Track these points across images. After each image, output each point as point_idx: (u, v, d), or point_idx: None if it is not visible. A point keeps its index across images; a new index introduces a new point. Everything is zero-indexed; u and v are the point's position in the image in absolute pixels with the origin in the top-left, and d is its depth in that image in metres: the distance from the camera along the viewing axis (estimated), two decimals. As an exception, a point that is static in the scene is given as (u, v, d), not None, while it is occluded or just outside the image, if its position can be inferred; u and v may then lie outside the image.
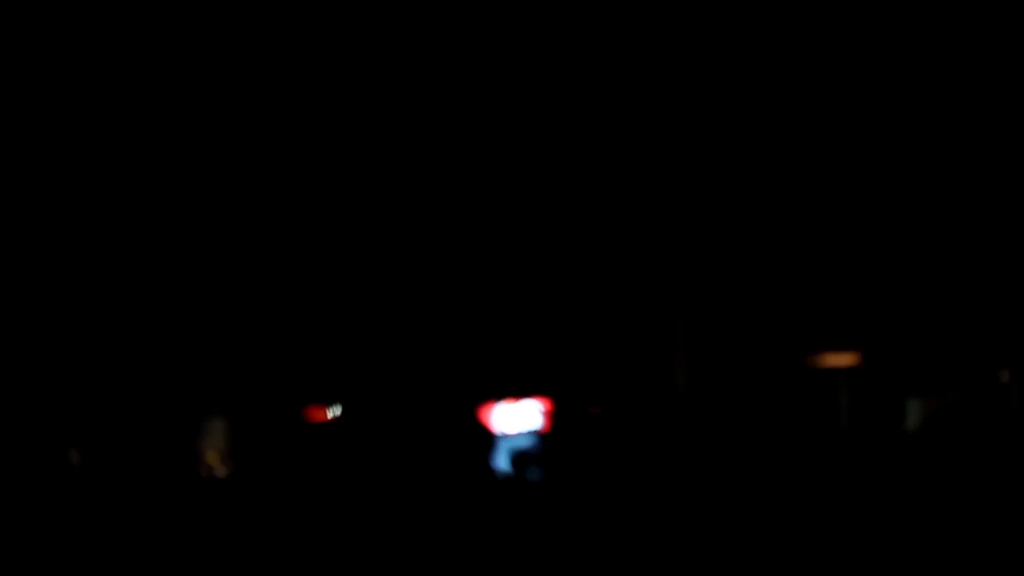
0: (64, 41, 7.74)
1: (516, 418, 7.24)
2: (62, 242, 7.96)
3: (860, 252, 9.83)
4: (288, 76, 7.91)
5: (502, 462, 7.29)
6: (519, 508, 4.18)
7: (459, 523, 6.33)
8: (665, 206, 9.63)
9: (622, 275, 9.41)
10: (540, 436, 7.39)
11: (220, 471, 5.97)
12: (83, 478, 6.07)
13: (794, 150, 9.23)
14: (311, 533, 6.36)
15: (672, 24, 8.39)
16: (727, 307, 9.38)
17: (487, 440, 7.07)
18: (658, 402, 8.67)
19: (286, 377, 7.07)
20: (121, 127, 8.36)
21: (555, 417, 7.57)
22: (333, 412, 7.14)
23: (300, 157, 8.21)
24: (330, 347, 6.57)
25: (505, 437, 7.18)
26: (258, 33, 8.03)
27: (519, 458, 5.86)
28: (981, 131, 8.88)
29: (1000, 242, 9.25)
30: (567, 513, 4.03)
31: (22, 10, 7.49)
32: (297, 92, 7.28)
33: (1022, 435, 6.28)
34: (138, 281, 8.23)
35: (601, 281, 9.13)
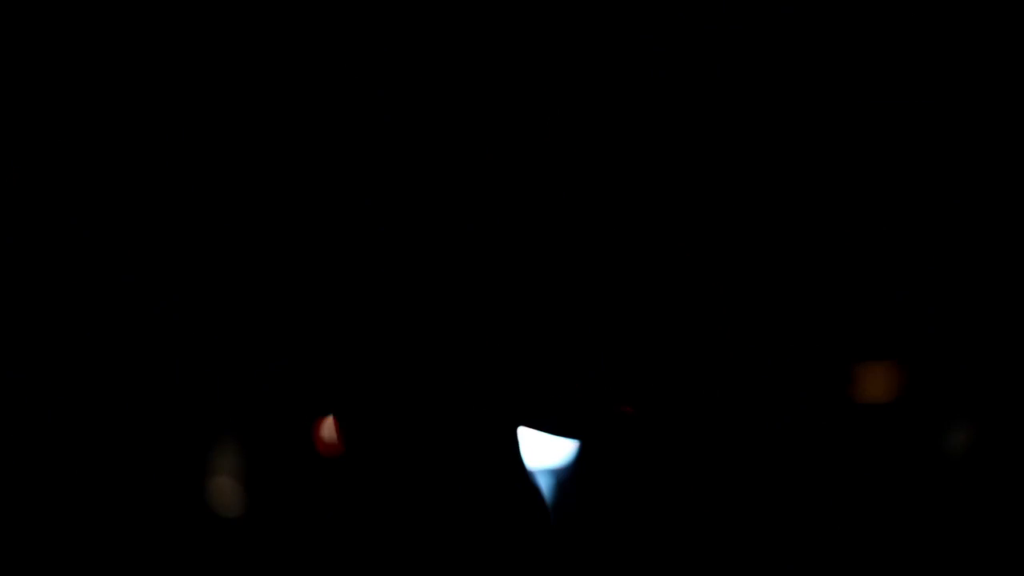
0: (64, 41, 7.47)
1: (550, 446, 6.95)
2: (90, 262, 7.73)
3: (897, 261, 9.56)
4: (292, 79, 7.64)
5: (549, 494, 7.02)
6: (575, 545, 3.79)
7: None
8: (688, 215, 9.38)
9: (631, 280, 9.16)
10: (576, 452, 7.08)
11: (233, 499, 5.63)
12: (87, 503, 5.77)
13: (807, 155, 8.96)
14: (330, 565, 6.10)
15: (672, 24, 8.13)
16: (758, 318, 9.09)
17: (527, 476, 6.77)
18: (692, 406, 8.43)
19: (300, 392, 6.76)
20: (126, 131, 8.11)
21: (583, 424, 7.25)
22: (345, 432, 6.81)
23: (312, 163, 7.94)
24: (344, 359, 6.20)
25: (545, 469, 6.88)
26: (259, 34, 7.78)
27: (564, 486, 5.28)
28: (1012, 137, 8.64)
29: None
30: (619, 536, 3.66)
31: (22, 10, 7.23)
32: (306, 98, 6.95)
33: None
34: (141, 287, 7.97)
35: (613, 284, 8.84)
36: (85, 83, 7.67)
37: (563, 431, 2.73)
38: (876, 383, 9.42)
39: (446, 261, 2.70)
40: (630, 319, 8.56)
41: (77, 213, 7.75)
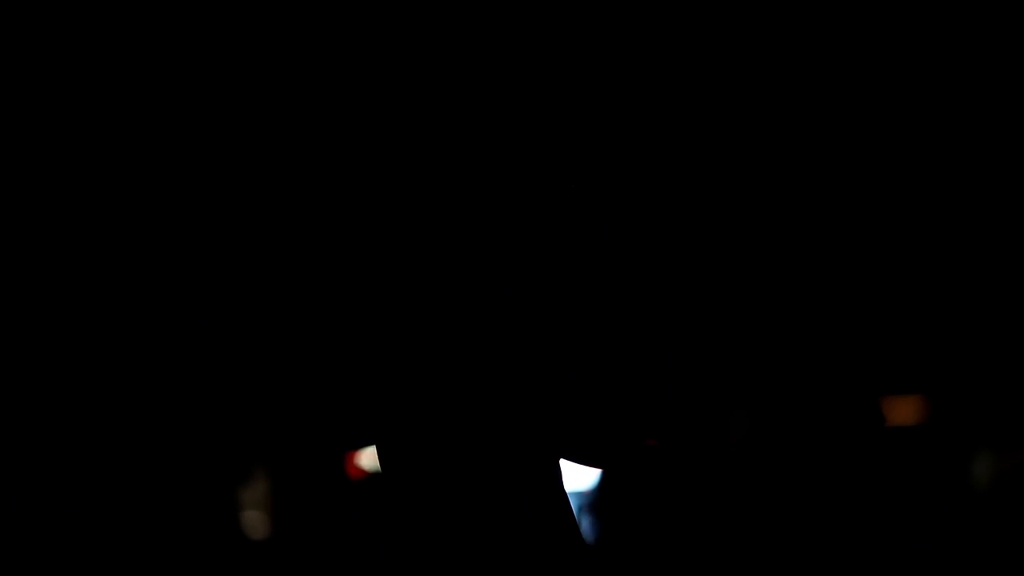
0: (64, 41, 7.51)
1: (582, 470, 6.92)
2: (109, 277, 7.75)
3: (918, 284, 9.54)
4: (295, 82, 7.68)
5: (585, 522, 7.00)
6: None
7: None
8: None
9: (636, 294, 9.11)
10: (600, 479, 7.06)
11: (261, 529, 5.64)
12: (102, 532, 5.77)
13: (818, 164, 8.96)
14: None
15: (671, 24, 8.13)
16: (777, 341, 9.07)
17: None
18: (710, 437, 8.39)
19: (331, 418, 6.75)
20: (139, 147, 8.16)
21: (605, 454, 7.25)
22: (372, 461, 6.85)
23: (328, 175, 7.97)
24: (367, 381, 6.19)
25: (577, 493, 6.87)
26: (259, 35, 7.82)
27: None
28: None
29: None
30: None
31: (22, 10, 7.27)
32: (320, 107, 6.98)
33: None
34: (162, 307, 8.01)
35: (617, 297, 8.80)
36: (84, 84, 7.72)
37: (589, 460, 2.75)
38: (904, 411, 9.40)
39: (471, 284, 2.71)
40: (652, 347, 8.54)
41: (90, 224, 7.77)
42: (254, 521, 6.53)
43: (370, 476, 6.57)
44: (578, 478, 7.24)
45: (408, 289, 2.79)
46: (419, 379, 2.69)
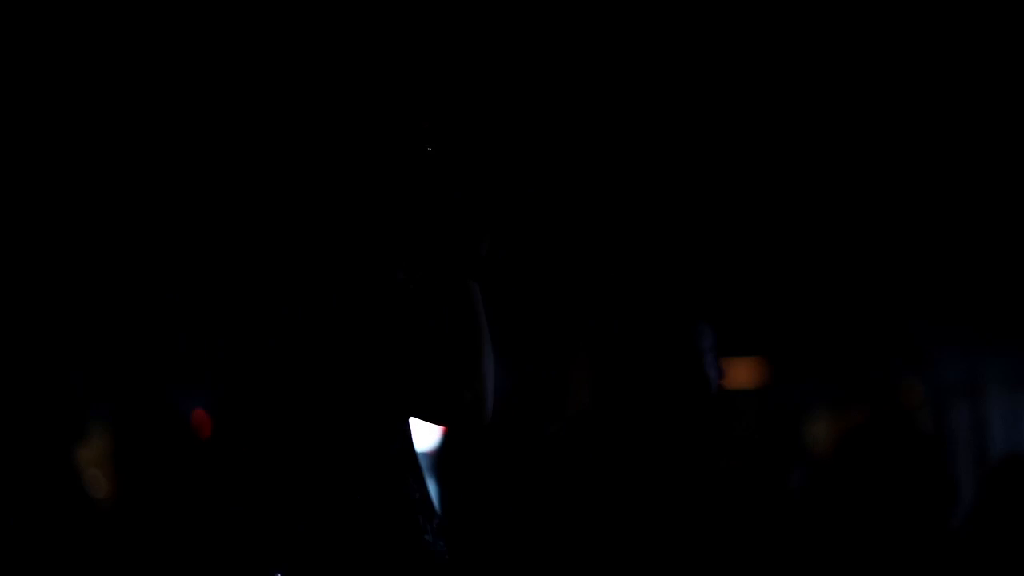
0: (65, 41, 7.35)
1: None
2: None
3: (745, 248, 9.72)
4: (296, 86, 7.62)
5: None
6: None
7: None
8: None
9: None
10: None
11: (103, 489, 5.53)
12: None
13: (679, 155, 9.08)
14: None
15: (671, 24, 8.18)
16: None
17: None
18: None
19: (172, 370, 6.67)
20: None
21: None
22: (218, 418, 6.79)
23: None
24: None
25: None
26: (262, 36, 7.74)
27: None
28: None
29: (903, 241, 9.20)
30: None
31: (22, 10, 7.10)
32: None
33: (938, 464, 6.11)
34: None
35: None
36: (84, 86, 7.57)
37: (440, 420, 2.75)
38: (742, 374, 9.58)
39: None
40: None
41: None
42: (96, 479, 6.45)
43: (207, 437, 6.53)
44: (425, 440, 7.25)
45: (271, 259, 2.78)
46: (270, 340, 2.68)
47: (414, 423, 2.79)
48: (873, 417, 6.59)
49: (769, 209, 9.31)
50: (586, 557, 3.49)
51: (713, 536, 3.51)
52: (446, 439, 7.27)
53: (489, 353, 2.70)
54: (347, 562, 2.66)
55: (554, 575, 3.53)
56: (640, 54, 8.31)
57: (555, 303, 9.38)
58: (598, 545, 3.47)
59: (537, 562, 3.57)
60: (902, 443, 6.11)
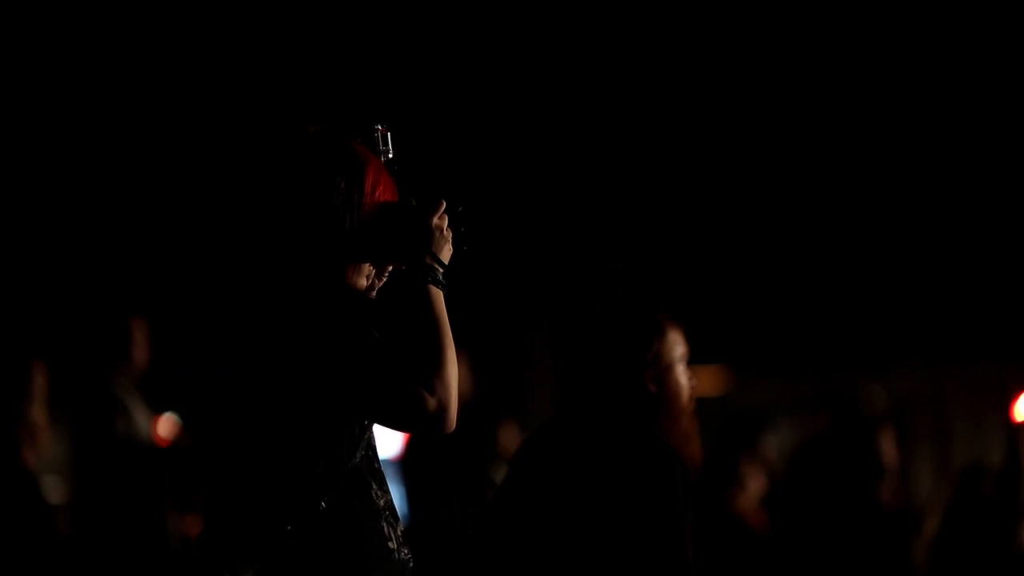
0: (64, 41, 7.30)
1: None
2: None
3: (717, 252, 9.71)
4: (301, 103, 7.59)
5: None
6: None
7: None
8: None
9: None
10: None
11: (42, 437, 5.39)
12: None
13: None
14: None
15: (669, 24, 8.18)
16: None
17: None
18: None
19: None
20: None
21: None
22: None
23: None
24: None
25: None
26: (261, 38, 7.72)
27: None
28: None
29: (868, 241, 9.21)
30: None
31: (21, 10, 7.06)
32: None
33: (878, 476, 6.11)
34: None
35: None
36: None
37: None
38: (707, 381, 9.58)
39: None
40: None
41: None
42: (52, 485, 6.39)
43: (172, 443, 6.48)
44: (391, 447, 7.21)
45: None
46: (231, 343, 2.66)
47: (379, 430, 2.77)
48: (834, 425, 6.59)
49: (742, 217, 9.31)
50: (558, 561, 3.48)
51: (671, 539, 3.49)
52: (411, 446, 7.25)
53: (454, 360, 2.69)
54: (311, 569, 2.64)
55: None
56: (610, 55, 8.31)
57: (516, 308, 9.37)
58: (569, 549, 3.46)
59: (502, 566, 3.56)
60: (861, 452, 6.12)
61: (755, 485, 6.07)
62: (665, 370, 3.57)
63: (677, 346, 3.61)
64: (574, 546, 3.44)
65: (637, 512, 3.43)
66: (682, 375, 3.61)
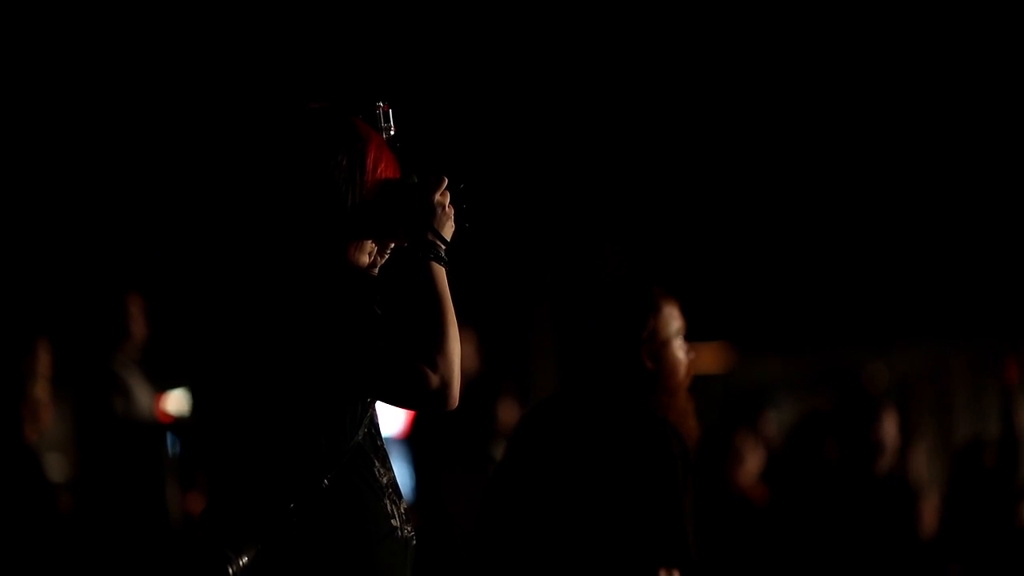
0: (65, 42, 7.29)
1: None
2: None
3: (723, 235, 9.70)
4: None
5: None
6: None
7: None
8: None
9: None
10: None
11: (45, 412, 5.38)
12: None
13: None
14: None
15: (669, 23, 8.15)
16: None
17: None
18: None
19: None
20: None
21: None
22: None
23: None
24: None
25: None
26: (263, 17, 7.70)
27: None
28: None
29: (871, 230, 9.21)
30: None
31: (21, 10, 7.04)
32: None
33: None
34: None
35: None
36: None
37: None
38: (708, 358, 9.59)
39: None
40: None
41: None
42: (54, 463, 6.39)
43: (176, 420, 6.49)
44: (394, 424, 7.19)
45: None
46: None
47: (382, 408, 2.77)
48: (836, 402, 6.59)
49: (744, 196, 9.29)
50: (557, 538, 3.47)
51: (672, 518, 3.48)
52: (414, 424, 7.24)
53: (456, 336, 2.68)
54: (314, 546, 2.64)
55: (526, 557, 3.51)
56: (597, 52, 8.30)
57: (519, 285, 9.37)
58: (568, 526, 3.46)
59: (507, 545, 3.55)
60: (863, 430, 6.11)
61: (753, 460, 6.08)
62: (661, 346, 3.55)
63: (673, 321, 3.59)
64: (574, 523, 3.44)
65: (636, 488, 3.42)
66: (679, 350, 3.59)
